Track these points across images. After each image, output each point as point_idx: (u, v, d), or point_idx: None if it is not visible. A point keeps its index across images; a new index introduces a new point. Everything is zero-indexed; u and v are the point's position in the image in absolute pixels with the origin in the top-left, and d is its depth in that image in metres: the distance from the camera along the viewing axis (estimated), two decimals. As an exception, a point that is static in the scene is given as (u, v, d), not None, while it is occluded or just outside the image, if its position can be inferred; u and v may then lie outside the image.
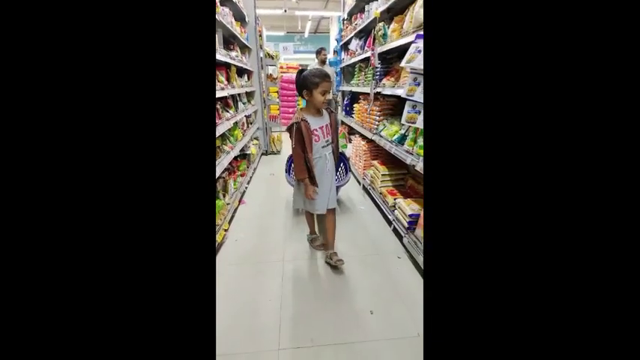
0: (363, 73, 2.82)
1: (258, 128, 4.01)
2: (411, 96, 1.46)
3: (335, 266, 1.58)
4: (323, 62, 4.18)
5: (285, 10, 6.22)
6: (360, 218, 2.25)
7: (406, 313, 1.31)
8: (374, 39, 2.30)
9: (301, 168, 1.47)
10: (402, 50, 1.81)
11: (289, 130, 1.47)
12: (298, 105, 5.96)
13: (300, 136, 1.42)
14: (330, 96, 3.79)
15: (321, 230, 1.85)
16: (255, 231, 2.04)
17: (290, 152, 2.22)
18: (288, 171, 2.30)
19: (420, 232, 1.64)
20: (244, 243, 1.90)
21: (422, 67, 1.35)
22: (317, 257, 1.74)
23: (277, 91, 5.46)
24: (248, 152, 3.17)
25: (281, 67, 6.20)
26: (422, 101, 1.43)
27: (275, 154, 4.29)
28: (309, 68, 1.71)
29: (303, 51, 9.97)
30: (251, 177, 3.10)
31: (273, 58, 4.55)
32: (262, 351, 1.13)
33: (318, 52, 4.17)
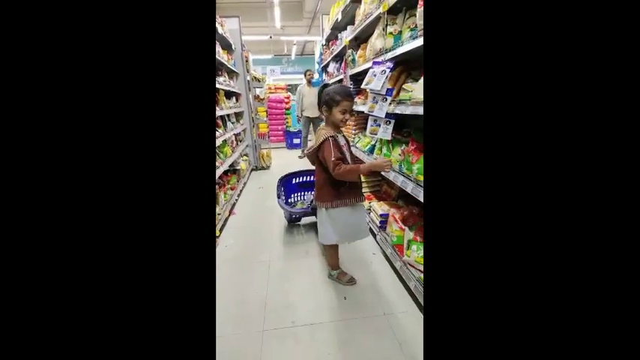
0: (340, 92, 3.12)
1: (247, 145, 4.26)
2: (372, 112, 1.73)
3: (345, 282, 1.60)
4: (309, 82, 4.72)
5: (271, 37, 6.66)
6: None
7: (375, 298, 1.51)
8: (346, 63, 2.61)
9: (354, 174, 1.36)
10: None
11: (319, 149, 1.33)
12: (288, 124, 6.26)
13: (339, 148, 1.33)
14: (317, 113, 4.01)
15: (324, 253, 1.78)
16: (245, 238, 2.24)
17: (281, 174, 2.41)
18: (280, 196, 2.30)
19: (389, 229, 1.86)
20: (234, 248, 2.09)
21: (377, 88, 1.62)
22: (302, 258, 1.94)
23: (265, 111, 5.76)
24: (238, 167, 3.39)
25: (269, 88, 6.55)
26: (380, 116, 1.69)
27: (265, 169, 4.52)
28: (331, 83, 1.74)
29: (290, 72, 10.46)
30: (241, 190, 3.31)
31: (259, 81, 4.88)
32: (249, 332, 1.31)
33: (305, 73, 4.80)
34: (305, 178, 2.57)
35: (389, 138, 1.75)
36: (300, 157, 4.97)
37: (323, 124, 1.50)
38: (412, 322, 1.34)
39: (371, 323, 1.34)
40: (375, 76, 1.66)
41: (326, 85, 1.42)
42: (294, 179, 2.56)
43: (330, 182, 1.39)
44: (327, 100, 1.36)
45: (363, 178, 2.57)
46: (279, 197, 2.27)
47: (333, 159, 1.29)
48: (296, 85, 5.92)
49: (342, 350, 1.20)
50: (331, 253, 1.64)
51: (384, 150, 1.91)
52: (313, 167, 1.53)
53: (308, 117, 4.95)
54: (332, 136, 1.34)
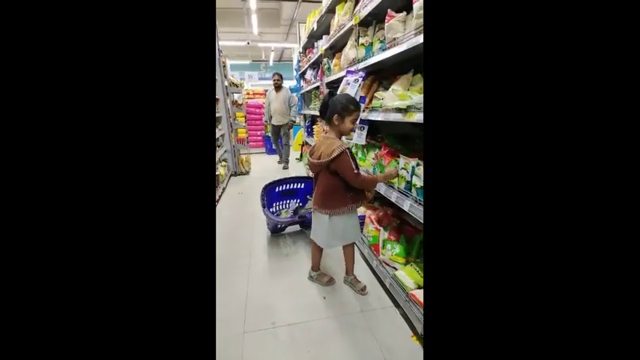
0: (318, 99, 3.21)
1: (225, 151, 4.23)
2: (347, 118, 1.81)
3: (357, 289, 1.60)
4: (277, 87, 4.42)
5: (249, 43, 6.68)
6: (320, 225, 2.52)
7: (353, 296, 1.57)
8: (322, 71, 2.70)
9: (374, 183, 1.44)
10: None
11: (335, 162, 1.31)
12: (267, 130, 6.24)
13: (353, 159, 1.34)
14: (286, 120, 3.97)
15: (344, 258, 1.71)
16: (225, 243, 2.23)
17: (261, 180, 2.38)
18: (265, 206, 2.26)
19: (365, 230, 1.94)
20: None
21: (352, 95, 1.71)
22: (282, 261, 1.97)
23: (244, 116, 5.74)
24: (217, 173, 3.37)
25: (247, 93, 6.54)
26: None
27: (244, 174, 4.50)
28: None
29: (268, 78, 10.41)
30: (220, 196, 3.28)
31: (237, 86, 4.88)
32: (229, 334, 1.32)
33: (273, 78, 4.45)
34: (288, 186, 2.55)
35: (363, 142, 1.84)
36: (279, 162, 4.89)
37: (327, 134, 1.47)
38: (387, 318, 1.41)
39: (349, 320, 1.40)
40: (349, 84, 1.74)
41: (331, 94, 1.40)
42: (277, 187, 2.53)
43: (339, 190, 1.39)
44: (340, 109, 1.34)
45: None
46: (264, 207, 2.22)
47: (355, 171, 1.32)
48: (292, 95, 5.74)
49: (321, 346, 1.25)
50: (316, 253, 1.67)
51: (360, 154, 1.99)
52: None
53: (274, 125, 4.64)
54: (348, 149, 1.33)
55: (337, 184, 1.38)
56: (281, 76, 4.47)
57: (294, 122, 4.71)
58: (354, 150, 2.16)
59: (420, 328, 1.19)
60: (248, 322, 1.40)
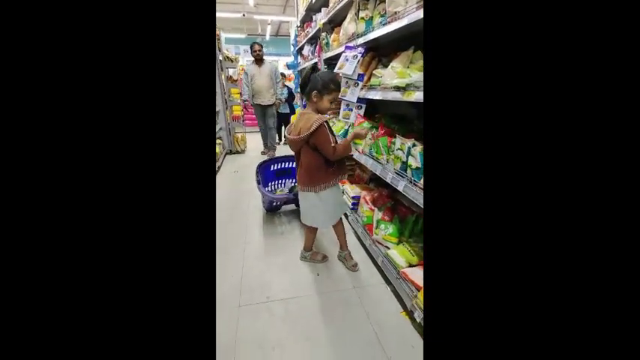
0: (315, 76, 3.12)
1: (220, 128, 4.16)
2: (344, 96, 1.77)
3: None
4: (258, 60, 3.71)
5: (244, 15, 6.36)
6: (315, 205, 2.54)
7: (346, 274, 1.62)
8: (320, 46, 2.60)
9: (348, 148, 1.39)
10: (340, 57, 2.12)
11: (314, 135, 1.29)
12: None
13: (331, 132, 1.34)
14: (274, 98, 3.62)
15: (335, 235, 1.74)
16: (220, 221, 2.24)
17: (256, 158, 2.37)
18: (260, 182, 2.27)
19: (360, 210, 1.95)
20: (209, 231, 2.09)
21: (349, 72, 1.66)
22: (278, 239, 2.00)
23: (239, 93, 5.59)
24: (211, 152, 3.33)
25: (243, 69, 6.32)
26: (352, 100, 1.74)
27: (239, 153, 4.46)
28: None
29: (265, 53, 10.12)
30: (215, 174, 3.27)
31: (232, 61, 4.69)
32: (224, 308, 1.36)
33: (251, 48, 3.69)
34: (283, 164, 2.55)
35: (360, 122, 1.81)
36: (264, 152, 4.22)
37: (304, 109, 1.44)
38: (378, 294, 1.45)
39: (342, 296, 1.44)
40: (347, 60, 1.69)
41: (314, 69, 1.37)
42: (272, 166, 2.53)
43: (322, 165, 1.38)
44: (320, 87, 1.31)
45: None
46: (259, 184, 2.22)
47: (332, 145, 1.31)
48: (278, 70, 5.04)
49: (314, 320, 1.29)
50: (310, 235, 1.66)
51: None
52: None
53: (260, 105, 3.87)
54: (326, 122, 1.32)
55: (319, 160, 1.36)
56: (262, 47, 3.78)
57: (282, 101, 4.15)
58: (350, 130, 2.13)
59: (409, 304, 1.23)
60: (243, 297, 1.43)
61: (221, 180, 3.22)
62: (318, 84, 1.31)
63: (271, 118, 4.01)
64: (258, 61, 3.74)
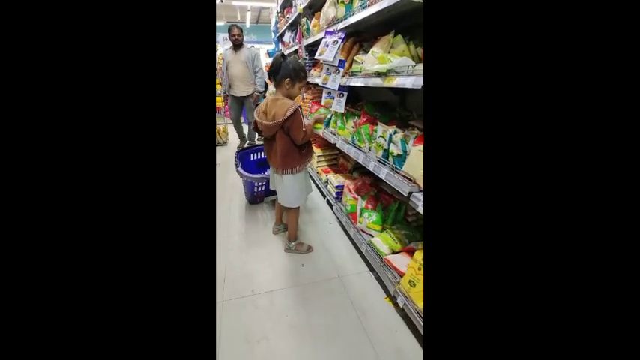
0: (297, 64, 3.05)
1: (201, 120, 4.02)
2: (326, 84, 1.73)
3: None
4: (237, 45, 3.29)
5: (222, 0, 6.10)
6: (300, 195, 2.52)
7: (330, 263, 1.61)
8: (301, 33, 2.52)
9: (312, 132, 1.46)
10: (321, 44, 2.07)
11: (290, 119, 1.33)
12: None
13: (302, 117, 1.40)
14: (250, 89, 3.19)
15: (280, 229, 1.90)
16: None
17: (235, 146, 2.30)
18: (238, 166, 2.23)
19: (344, 199, 1.95)
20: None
21: (330, 58, 1.62)
22: (260, 230, 1.97)
23: (220, 83, 5.41)
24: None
25: (222, 58, 6.10)
26: (334, 88, 1.70)
27: (222, 145, 4.34)
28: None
29: (246, 41, 9.81)
30: (196, 168, 3.17)
31: (211, 49, 4.50)
32: (207, 304, 1.33)
33: (228, 32, 3.24)
34: (262, 154, 2.50)
35: (342, 110, 1.78)
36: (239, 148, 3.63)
37: (274, 95, 1.46)
38: (363, 282, 1.46)
39: (326, 285, 1.44)
40: (327, 46, 1.64)
41: (284, 56, 1.40)
42: (251, 155, 2.49)
43: (295, 149, 1.46)
44: (292, 74, 1.37)
45: (320, 152, 2.62)
46: (237, 166, 2.16)
47: (303, 129, 1.37)
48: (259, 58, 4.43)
49: (299, 310, 1.29)
50: (293, 223, 1.67)
51: (339, 123, 1.94)
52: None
53: (235, 97, 3.42)
54: (299, 106, 1.37)
55: (293, 144, 1.43)
56: (241, 31, 3.31)
57: (262, 92, 3.47)
58: (333, 118, 2.10)
59: (392, 290, 1.25)
60: (227, 291, 1.41)
61: (202, 173, 3.13)
62: (291, 71, 1.37)
63: (250, 112, 3.51)
64: (236, 46, 3.30)
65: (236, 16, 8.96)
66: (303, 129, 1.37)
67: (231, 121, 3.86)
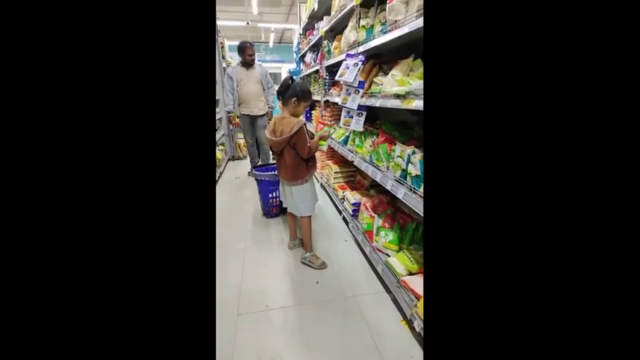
0: (317, 83, 3.15)
1: (223, 134, 4.19)
2: (345, 104, 1.78)
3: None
4: (248, 63, 3.06)
5: (248, 23, 6.45)
6: (318, 211, 2.53)
7: (346, 281, 1.60)
8: (322, 54, 2.62)
9: (316, 147, 1.59)
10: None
11: (295, 135, 1.47)
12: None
13: (307, 133, 1.54)
14: (265, 108, 3.17)
15: (294, 244, 1.94)
16: (221, 226, 2.24)
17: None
18: (254, 170, 2.39)
19: (360, 217, 1.94)
20: (209, 237, 2.09)
21: (350, 80, 1.67)
22: (275, 245, 1.99)
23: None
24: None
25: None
26: (353, 107, 1.74)
27: (241, 159, 4.47)
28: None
29: (269, 60, 10.24)
30: (217, 180, 3.28)
31: (236, 68, 4.72)
32: (223, 316, 1.35)
33: (240, 50, 3.00)
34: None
35: (361, 129, 1.81)
36: (251, 174, 3.32)
37: (281, 113, 1.58)
38: (378, 303, 1.44)
39: (341, 304, 1.42)
40: (348, 68, 1.70)
41: (292, 79, 1.55)
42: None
43: (302, 162, 1.59)
44: (299, 94, 1.52)
45: (337, 169, 2.64)
46: (252, 170, 2.22)
47: (308, 144, 1.51)
48: (275, 75, 3.99)
49: (313, 329, 1.27)
50: (307, 227, 1.71)
51: (357, 141, 1.97)
52: None
53: (248, 116, 3.17)
54: (304, 124, 1.52)
55: (299, 157, 1.56)
56: (254, 50, 3.11)
57: (272, 109, 3.32)
58: (351, 136, 2.14)
59: (409, 313, 1.22)
60: (242, 305, 1.42)
61: (223, 185, 3.23)
62: (298, 92, 1.51)
63: (262, 130, 3.27)
64: (249, 63, 3.08)
65: (260, 36, 9.42)
66: (308, 144, 1.50)
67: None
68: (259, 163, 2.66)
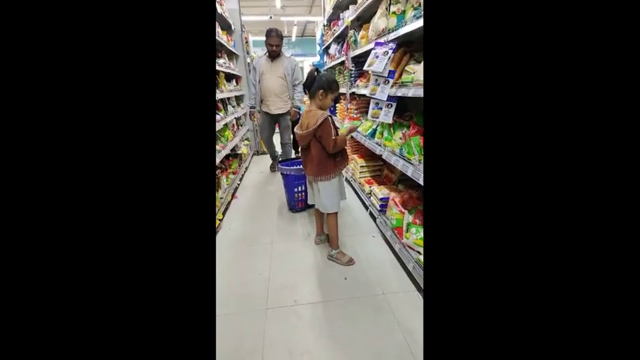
0: (342, 75, 3.08)
1: (248, 130, 4.24)
2: (374, 95, 1.71)
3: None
4: (274, 55, 2.74)
5: (271, 17, 6.47)
6: (344, 206, 2.49)
7: (374, 278, 1.56)
8: (347, 44, 2.55)
9: (344, 142, 1.54)
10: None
11: (320, 128, 1.44)
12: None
13: (334, 126, 1.48)
14: (287, 105, 2.95)
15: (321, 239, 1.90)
16: (247, 221, 2.27)
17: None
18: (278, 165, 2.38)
19: (389, 212, 1.88)
20: (237, 230, 2.13)
21: (379, 69, 1.60)
22: (302, 240, 1.98)
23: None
24: (239, 152, 3.40)
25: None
26: (382, 99, 1.67)
27: (265, 154, 4.52)
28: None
29: (292, 54, 10.26)
30: (243, 175, 3.33)
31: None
32: (252, 310, 1.36)
33: (267, 39, 2.67)
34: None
35: (390, 121, 1.74)
36: (273, 168, 3.39)
37: (308, 106, 1.56)
38: (410, 301, 1.38)
39: (370, 302, 1.39)
40: (377, 57, 1.63)
41: (317, 71, 1.51)
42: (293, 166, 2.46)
43: (330, 157, 1.54)
44: (325, 86, 1.48)
45: (364, 163, 2.58)
46: (277, 166, 2.17)
47: (333, 138, 1.46)
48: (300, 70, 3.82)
49: (343, 326, 1.25)
50: (333, 223, 1.66)
51: (385, 134, 1.90)
52: None
53: (269, 114, 2.91)
54: (330, 116, 1.48)
55: (325, 152, 1.52)
56: (281, 39, 2.71)
57: (298, 109, 2.92)
58: (379, 129, 2.06)
59: (444, 315, 1.15)
60: (270, 299, 1.42)
61: (249, 180, 3.27)
62: (324, 83, 1.47)
63: (286, 131, 2.99)
64: (274, 55, 2.73)
65: (283, 30, 9.43)
66: (333, 137, 1.45)
67: (276, 131, 3.36)
68: (281, 158, 2.62)
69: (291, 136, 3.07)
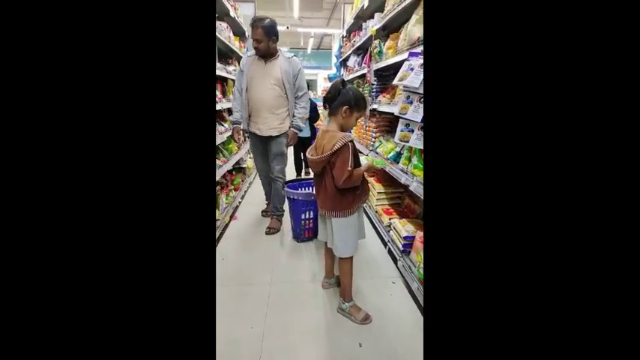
0: (361, 89, 2.81)
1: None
2: (404, 114, 1.42)
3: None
4: (267, 54, 1.86)
5: (288, 27, 6.35)
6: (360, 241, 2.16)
7: (398, 344, 1.22)
8: (370, 56, 2.29)
9: (360, 178, 1.24)
10: (397, 67, 1.78)
11: (336, 154, 1.15)
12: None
13: (355, 156, 1.19)
14: (283, 125, 2.01)
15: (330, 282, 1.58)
16: (245, 250, 1.97)
17: (289, 175, 2.10)
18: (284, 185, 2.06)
19: (414, 255, 1.55)
20: (231, 263, 1.81)
21: (415, 85, 1.31)
22: (307, 281, 1.65)
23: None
24: (244, 166, 3.13)
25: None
26: (415, 119, 1.38)
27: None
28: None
29: (306, 66, 10.14)
30: (246, 191, 3.04)
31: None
32: (237, 388, 1.03)
33: (253, 26, 1.79)
34: (309, 188, 2.16)
35: (422, 147, 1.43)
36: (265, 213, 2.42)
37: (327, 125, 1.26)
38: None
39: (393, 386, 1.04)
40: (412, 70, 1.34)
41: (344, 83, 1.22)
42: (300, 189, 2.11)
43: (349, 189, 1.24)
44: (352, 102, 1.19)
45: (381, 189, 2.27)
46: (283, 187, 1.93)
47: (349, 169, 1.15)
48: (310, 83, 3.13)
49: None
50: (348, 270, 1.34)
51: (415, 160, 1.59)
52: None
53: (259, 136, 2.00)
54: (351, 141, 1.17)
55: (351, 179, 1.20)
56: (271, 33, 1.81)
57: (301, 130, 2.03)
58: (405, 154, 1.76)
59: None
60: (262, 370, 1.10)
61: (252, 198, 2.97)
62: (351, 99, 1.19)
63: (279, 162, 2.05)
64: (264, 55, 1.85)
65: (299, 42, 9.37)
66: (349, 167, 1.14)
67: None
68: (267, 210, 2.14)
69: (282, 168, 2.11)
